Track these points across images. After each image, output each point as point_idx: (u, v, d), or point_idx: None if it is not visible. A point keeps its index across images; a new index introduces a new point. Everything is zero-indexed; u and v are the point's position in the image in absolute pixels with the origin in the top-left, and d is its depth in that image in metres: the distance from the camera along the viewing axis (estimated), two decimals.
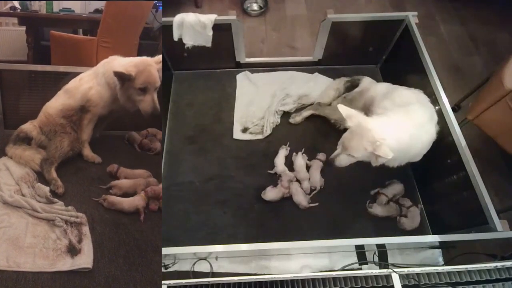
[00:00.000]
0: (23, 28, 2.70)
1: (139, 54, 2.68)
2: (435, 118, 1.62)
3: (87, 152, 1.76)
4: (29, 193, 1.38)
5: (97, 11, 3.01)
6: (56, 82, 1.88)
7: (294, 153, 1.99)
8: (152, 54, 1.68)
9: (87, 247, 1.15)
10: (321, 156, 1.97)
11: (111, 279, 1.04)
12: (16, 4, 2.69)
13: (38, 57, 2.76)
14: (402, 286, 1.14)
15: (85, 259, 1.09)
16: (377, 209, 1.81)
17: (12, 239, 1.14)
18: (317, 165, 1.93)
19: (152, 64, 1.58)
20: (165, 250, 1.32)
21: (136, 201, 1.41)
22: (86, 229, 1.24)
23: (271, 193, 1.84)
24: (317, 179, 1.88)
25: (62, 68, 1.94)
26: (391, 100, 1.66)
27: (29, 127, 1.71)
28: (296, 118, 2.15)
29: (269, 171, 1.95)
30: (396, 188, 1.88)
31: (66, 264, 1.08)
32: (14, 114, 1.94)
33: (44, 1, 2.75)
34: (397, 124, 1.46)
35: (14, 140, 1.68)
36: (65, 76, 1.90)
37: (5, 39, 3.02)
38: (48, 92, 1.79)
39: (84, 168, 1.69)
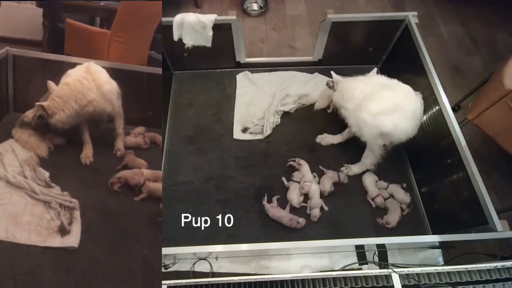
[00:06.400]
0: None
1: (154, 48, 2.67)
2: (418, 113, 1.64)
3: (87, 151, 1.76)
4: (31, 176, 1.48)
5: None
6: (67, 71, 1.87)
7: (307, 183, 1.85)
8: None
9: (76, 229, 1.28)
10: (343, 178, 1.89)
11: (94, 260, 1.19)
12: None
13: (53, 41, 2.67)
14: (402, 286, 1.14)
15: (73, 239, 1.24)
16: (390, 217, 1.76)
17: (11, 215, 1.27)
18: (331, 175, 1.87)
19: None
20: (165, 250, 1.32)
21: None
22: (77, 214, 1.36)
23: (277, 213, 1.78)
24: (327, 188, 1.83)
25: (74, 59, 1.96)
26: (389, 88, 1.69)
27: (30, 112, 1.73)
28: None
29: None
30: (369, 177, 1.86)
31: (56, 242, 1.22)
32: (24, 98, 1.97)
33: None
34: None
35: (20, 124, 1.73)
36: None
37: (21, 17, 2.97)
38: (58, 79, 1.78)
39: None
